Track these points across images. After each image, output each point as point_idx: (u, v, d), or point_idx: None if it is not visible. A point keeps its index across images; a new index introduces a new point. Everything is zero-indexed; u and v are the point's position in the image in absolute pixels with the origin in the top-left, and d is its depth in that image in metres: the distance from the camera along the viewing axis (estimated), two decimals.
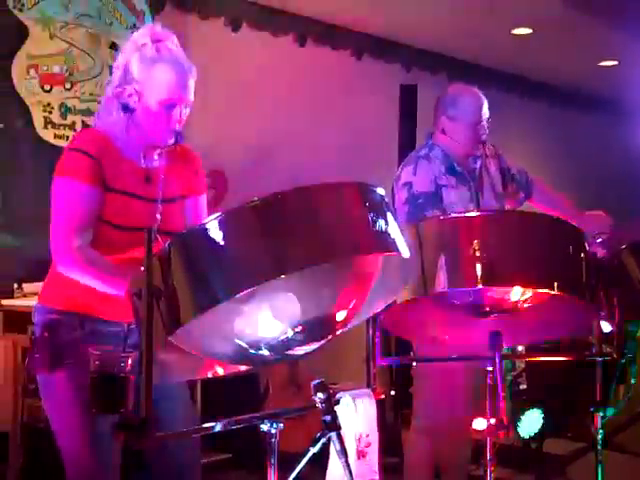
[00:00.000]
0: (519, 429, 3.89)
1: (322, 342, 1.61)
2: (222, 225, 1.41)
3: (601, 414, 2.21)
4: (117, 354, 1.58)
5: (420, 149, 3.20)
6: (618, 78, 6.60)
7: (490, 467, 2.07)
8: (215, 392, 3.91)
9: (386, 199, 1.57)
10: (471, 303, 1.99)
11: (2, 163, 4.02)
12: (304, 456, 1.58)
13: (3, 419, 3.74)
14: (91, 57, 4.32)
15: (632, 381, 2.42)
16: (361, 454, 1.85)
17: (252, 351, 1.60)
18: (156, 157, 2.28)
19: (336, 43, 5.68)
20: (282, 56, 5.34)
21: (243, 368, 1.76)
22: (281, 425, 1.61)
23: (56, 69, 4.19)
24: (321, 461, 1.72)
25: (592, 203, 3.29)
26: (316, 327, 1.58)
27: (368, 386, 1.93)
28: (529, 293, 1.95)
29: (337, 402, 1.61)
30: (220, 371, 1.76)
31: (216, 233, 1.41)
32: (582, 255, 1.96)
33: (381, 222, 1.49)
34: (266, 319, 1.55)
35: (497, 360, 1.98)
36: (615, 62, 6.73)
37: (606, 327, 2.16)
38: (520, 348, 3.06)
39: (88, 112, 4.25)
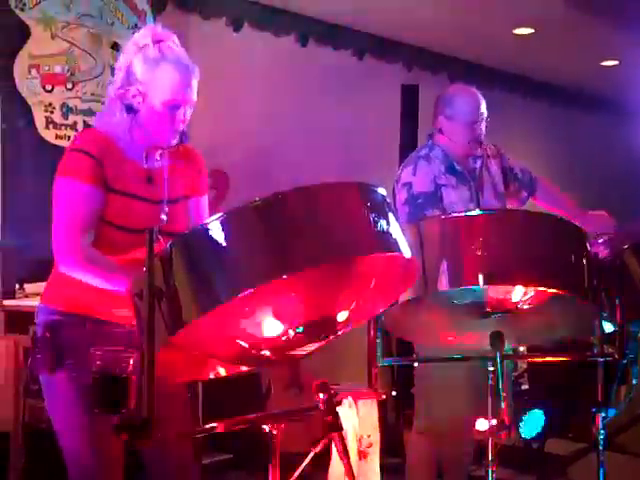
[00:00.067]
0: (521, 429, 3.88)
1: (323, 343, 1.61)
2: (223, 225, 1.41)
3: (603, 415, 2.21)
4: (119, 354, 1.58)
5: (420, 149, 3.20)
6: (620, 78, 6.59)
7: (492, 467, 2.07)
8: (217, 393, 3.90)
9: (387, 199, 1.57)
10: (473, 304, 1.99)
11: (4, 163, 4.02)
12: (306, 457, 1.58)
13: (4, 419, 3.73)
14: (92, 57, 4.32)
15: (634, 382, 2.41)
16: (362, 455, 1.85)
17: (254, 352, 1.60)
18: (158, 157, 2.28)
19: (337, 43, 5.68)
20: (283, 56, 5.34)
21: (245, 369, 1.77)
22: (283, 426, 1.61)
23: (57, 69, 4.19)
24: (323, 462, 1.72)
25: (595, 203, 3.29)
26: (318, 327, 1.58)
27: (369, 387, 1.93)
28: (530, 293, 1.95)
29: (339, 403, 1.61)
30: (222, 372, 1.76)
31: (217, 233, 1.41)
32: (584, 255, 1.96)
33: (382, 222, 1.49)
34: (268, 319, 1.55)
35: (498, 360, 1.98)
36: (617, 62, 6.73)
37: (608, 327, 2.16)
38: (522, 349, 3.06)
39: (90, 112, 4.25)
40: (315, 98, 5.44)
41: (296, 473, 1.59)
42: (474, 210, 2.71)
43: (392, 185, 3.11)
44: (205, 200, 2.41)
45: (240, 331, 1.57)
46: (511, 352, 2.30)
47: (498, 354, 1.99)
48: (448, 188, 3.06)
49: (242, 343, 1.59)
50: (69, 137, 4.16)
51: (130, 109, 2.20)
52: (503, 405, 1.97)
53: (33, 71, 4.10)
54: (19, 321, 3.60)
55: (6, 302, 3.83)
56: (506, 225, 1.95)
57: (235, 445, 4.23)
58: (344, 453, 1.57)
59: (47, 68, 4.15)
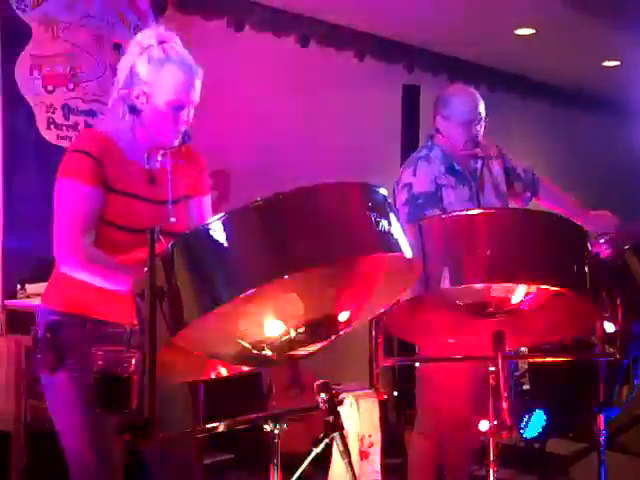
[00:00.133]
0: (522, 429, 3.88)
1: (325, 342, 1.61)
2: (225, 225, 1.41)
3: (604, 414, 2.21)
4: (121, 354, 1.58)
5: (420, 150, 3.21)
6: (621, 78, 6.59)
7: (493, 467, 2.07)
8: (218, 392, 3.90)
9: (389, 199, 1.57)
10: (474, 303, 1.99)
11: (5, 163, 4.02)
12: (307, 456, 1.58)
13: (6, 419, 3.74)
14: (94, 58, 4.32)
15: (635, 381, 2.42)
16: (364, 454, 1.85)
17: (255, 351, 1.60)
18: (159, 158, 2.28)
19: (338, 44, 5.68)
20: (284, 57, 5.34)
21: (246, 368, 1.77)
22: (284, 426, 1.61)
23: (59, 70, 4.19)
24: (324, 461, 1.72)
25: (595, 203, 3.29)
26: (319, 327, 1.58)
27: (371, 387, 1.93)
28: (532, 290, 1.95)
29: (340, 402, 1.61)
30: (223, 371, 1.76)
31: (219, 233, 1.41)
32: (585, 254, 1.96)
33: (384, 222, 1.49)
34: (269, 319, 1.55)
35: (500, 360, 1.98)
36: (618, 62, 6.72)
37: (609, 327, 2.16)
38: (523, 349, 3.06)
39: (91, 113, 4.25)
40: (316, 99, 5.44)
41: (297, 473, 1.59)
42: (475, 209, 2.71)
43: (393, 186, 3.11)
44: (208, 200, 2.41)
45: (241, 331, 1.57)
46: (512, 352, 2.30)
47: (499, 354, 1.99)
48: (448, 188, 3.06)
49: (243, 343, 1.59)
50: (71, 138, 4.16)
51: (133, 109, 2.21)
52: (504, 405, 1.97)
53: (35, 72, 4.10)
54: (20, 321, 3.60)
55: (8, 302, 3.84)
56: (507, 223, 1.95)
57: (236, 445, 4.24)
58: (345, 453, 1.57)
59: (49, 69, 4.15)
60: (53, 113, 4.17)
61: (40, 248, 2.22)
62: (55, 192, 2.19)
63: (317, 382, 1.59)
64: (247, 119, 5.01)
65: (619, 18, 5.43)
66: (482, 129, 3.12)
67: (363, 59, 5.87)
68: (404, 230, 1.56)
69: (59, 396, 2.24)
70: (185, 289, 1.43)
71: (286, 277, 1.39)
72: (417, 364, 3.22)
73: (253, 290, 1.39)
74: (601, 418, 2.21)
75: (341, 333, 1.63)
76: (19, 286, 3.87)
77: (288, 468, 1.61)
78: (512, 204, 3.30)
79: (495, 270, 1.86)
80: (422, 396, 3.21)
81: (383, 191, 1.55)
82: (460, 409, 3.03)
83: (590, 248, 1.99)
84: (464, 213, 2.14)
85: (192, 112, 2.24)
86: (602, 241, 2.58)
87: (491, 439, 2.04)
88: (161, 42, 2.20)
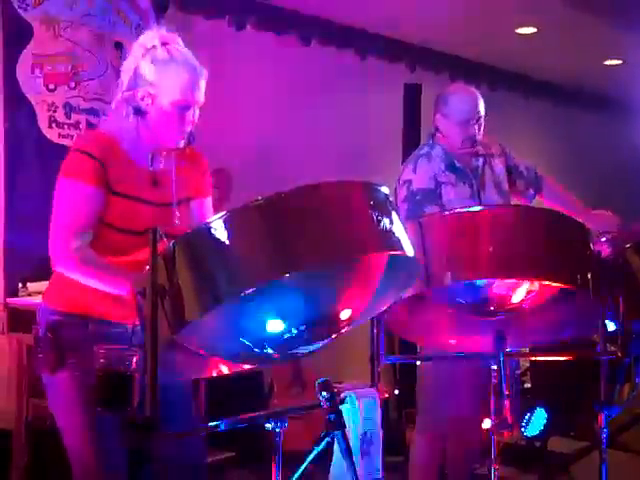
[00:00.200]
0: (523, 428, 3.89)
1: (326, 341, 1.61)
2: (226, 224, 1.41)
3: (605, 413, 2.21)
4: (122, 352, 1.58)
5: (421, 148, 3.21)
6: (623, 77, 6.59)
7: (494, 465, 2.07)
8: (219, 391, 3.91)
9: (390, 198, 1.57)
10: (475, 302, 1.99)
11: (7, 162, 4.03)
12: (308, 455, 1.58)
13: (8, 417, 3.74)
14: (95, 57, 4.32)
15: (636, 380, 2.41)
16: (365, 453, 1.85)
17: (256, 350, 1.60)
18: (163, 159, 2.28)
19: (340, 43, 5.68)
20: (286, 56, 5.34)
21: (247, 367, 1.77)
22: (285, 424, 1.62)
23: (60, 68, 4.20)
24: (325, 460, 1.72)
25: (597, 202, 3.29)
26: (320, 326, 1.58)
27: (372, 385, 1.93)
28: (533, 289, 1.95)
29: (341, 401, 1.62)
30: (225, 370, 1.76)
31: (220, 232, 1.41)
32: (587, 251, 1.96)
33: (385, 221, 1.49)
34: (270, 318, 1.55)
35: (501, 359, 1.99)
36: (620, 61, 6.72)
37: (610, 326, 2.16)
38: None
39: (92, 111, 4.26)
40: (318, 98, 5.44)
41: (299, 471, 1.59)
42: (476, 206, 2.71)
43: (394, 184, 3.11)
44: (209, 201, 2.41)
45: (243, 329, 1.58)
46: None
47: (501, 353, 1.99)
48: (447, 186, 3.06)
49: (245, 341, 1.59)
50: (72, 136, 4.17)
51: (138, 111, 2.20)
52: (506, 403, 1.97)
53: (36, 70, 4.11)
54: (22, 319, 3.60)
55: (9, 301, 3.84)
56: (508, 220, 1.95)
57: (238, 443, 4.24)
58: (346, 451, 1.58)
59: (50, 67, 4.16)
60: (54, 112, 4.17)
61: (42, 246, 2.22)
62: (56, 192, 2.19)
63: (318, 380, 1.59)
64: (248, 118, 5.01)
65: (621, 17, 5.42)
66: (481, 128, 3.12)
67: (365, 58, 5.87)
68: (405, 228, 1.56)
69: (60, 395, 2.24)
70: (186, 287, 1.44)
71: (287, 276, 1.40)
72: (418, 362, 3.23)
73: (254, 289, 1.39)
74: (602, 416, 2.21)
75: (342, 331, 1.63)
76: (21, 284, 3.87)
77: (289, 466, 1.61)
78: (515, 202, 3.30)
79: (497, 266, 1.86)
80: (423, 395, 3.21)
81: (384, 190, 1.55)
82: (461, 408, 3.03)
83: (592, 247, 1.99)
84: (466, 210, 2.14)
85: (197, 112, 2.24)
86: (603, 240, 2.58)
87: (493, 437, 2.04)
88: (164, 43, 2.20)
